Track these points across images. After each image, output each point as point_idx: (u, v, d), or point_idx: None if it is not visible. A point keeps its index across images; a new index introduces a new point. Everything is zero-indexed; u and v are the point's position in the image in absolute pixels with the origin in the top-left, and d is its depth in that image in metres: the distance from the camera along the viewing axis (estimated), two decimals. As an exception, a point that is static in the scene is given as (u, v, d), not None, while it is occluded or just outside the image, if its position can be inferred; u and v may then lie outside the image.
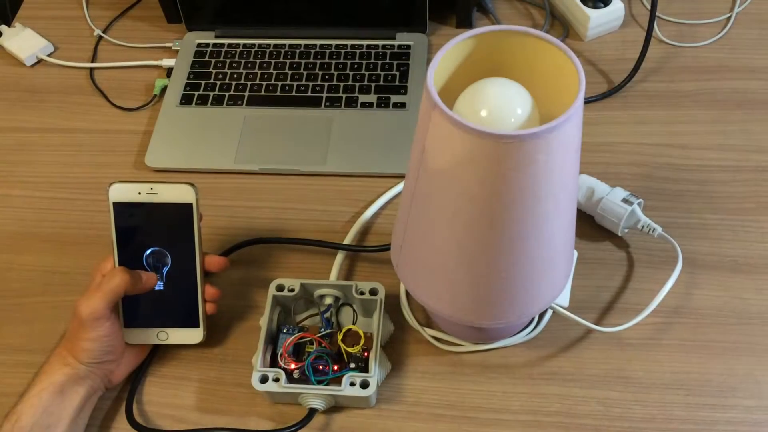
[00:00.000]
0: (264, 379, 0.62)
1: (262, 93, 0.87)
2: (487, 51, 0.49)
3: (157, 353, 0.69)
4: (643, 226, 0.71)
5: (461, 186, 0.46)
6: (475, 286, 0.54)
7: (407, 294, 0.70)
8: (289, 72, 0.89)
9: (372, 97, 0.86)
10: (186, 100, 0.87)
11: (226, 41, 0.92)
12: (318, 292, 0.67)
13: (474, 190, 0.46)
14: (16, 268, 0.76)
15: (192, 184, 0.64)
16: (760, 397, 0.64)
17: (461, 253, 0.51)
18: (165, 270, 0.65)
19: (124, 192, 0.64)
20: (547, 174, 0.46)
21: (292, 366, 0.63)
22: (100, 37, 0.96)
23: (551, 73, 0.48)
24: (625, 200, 0.71)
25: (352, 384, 0.61)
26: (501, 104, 0.47)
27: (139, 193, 0.64)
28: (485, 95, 0.47)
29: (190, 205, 0.64)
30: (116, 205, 0.64)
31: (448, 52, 0.47)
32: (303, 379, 0.63)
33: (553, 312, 0.67)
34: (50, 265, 0.76)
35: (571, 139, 0.45)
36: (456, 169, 0.45)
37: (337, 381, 0.61)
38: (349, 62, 0.89)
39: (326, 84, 0.87)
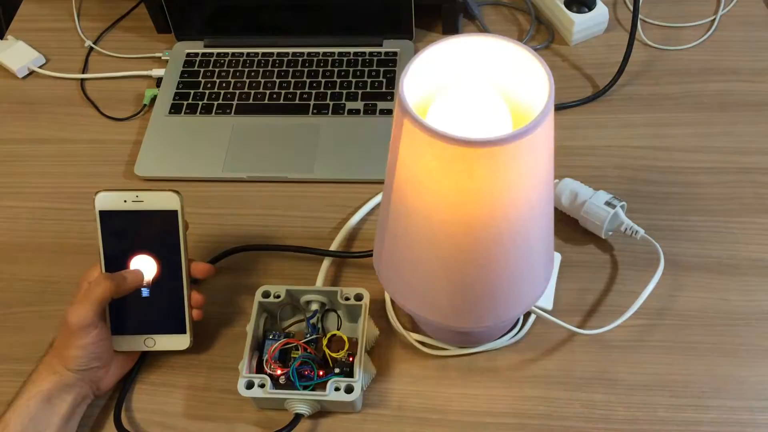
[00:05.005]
0: (250, 385, 0.62)
1: (250, 101, 0.88)
2: (465, 57, 0.50)
3: (146, 360, 0.69)
4: (626, 229, 0.71)
5: (435, 192, 0.47)
6: (453, 291, 0.54)
7: (392, 299, 0.70)
8: (277, 80, 0.89)
9: (359, 104, 0.86)
10: (175, 109, 0.88)
11: (215, 51, 0.93)
12: (304, 298, 0.68)
13: (448, 196, 0.46)
14: (6, 278, 0.77)
15: (177, 192, 0.65)
16: (743, 397, 0.64)
17: (439, 258, 0.51)
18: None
19: (109, 200, 0.64)
20: (520, 178, 0.46)
21: (278, 372, 0.63)
22: (91, 48, 0.97)
23: (526, 79, 0.49)
24: (608, 203, 0.71)
25: (337, 389, 0.62)
26: (473, 111, 0.48)
27: (125, 201, 0.64)
28: (458, 102, 0.48)
29: (175, 212, 0.65)
30: (102, 213, 0.64)
31: (426, 59, 0.48)
32: (288, 385, 0.63)
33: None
34: (41, 275, 0.76)
35: (542, 144, 0.46)
36: (429, 175, 0.46)
37: (323, 386, 0.62)
38: (336, 70, 0.90)
39: (314, 92, 0.88)
